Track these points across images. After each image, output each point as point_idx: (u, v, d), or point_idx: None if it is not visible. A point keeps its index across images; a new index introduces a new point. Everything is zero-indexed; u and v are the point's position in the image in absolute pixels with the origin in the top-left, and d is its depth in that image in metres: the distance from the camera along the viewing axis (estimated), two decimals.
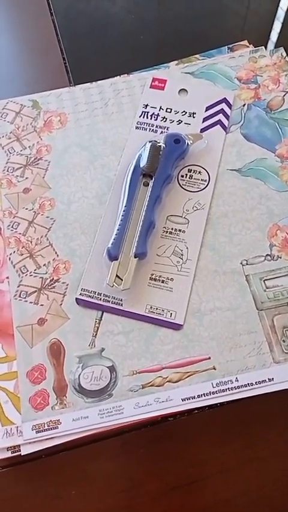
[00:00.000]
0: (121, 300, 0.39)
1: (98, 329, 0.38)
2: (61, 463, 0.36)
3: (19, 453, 0.34)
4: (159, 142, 0.43)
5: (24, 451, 0.34)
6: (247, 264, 0.40)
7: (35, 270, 0.41)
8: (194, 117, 0.47)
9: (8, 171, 0.45)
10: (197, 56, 0.52)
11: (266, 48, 0.53)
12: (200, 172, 0.44)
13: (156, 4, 0.61)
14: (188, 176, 0.44)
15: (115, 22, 0.58)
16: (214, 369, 0.37)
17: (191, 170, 0.44)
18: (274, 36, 0.57)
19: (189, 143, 0.44)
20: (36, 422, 0.35)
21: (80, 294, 0.39)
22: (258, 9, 0.61)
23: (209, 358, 0.37)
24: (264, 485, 0.36)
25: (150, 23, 0.58)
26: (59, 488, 0.35)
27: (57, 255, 0.41)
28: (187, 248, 0.41)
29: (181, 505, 0.35)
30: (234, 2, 0.60)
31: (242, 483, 0.36)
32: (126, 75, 0.50)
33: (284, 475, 0.36)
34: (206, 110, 0.47)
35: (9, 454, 0.35)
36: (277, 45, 0.55)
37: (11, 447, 0.35)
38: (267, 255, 0.41)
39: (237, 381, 0.36)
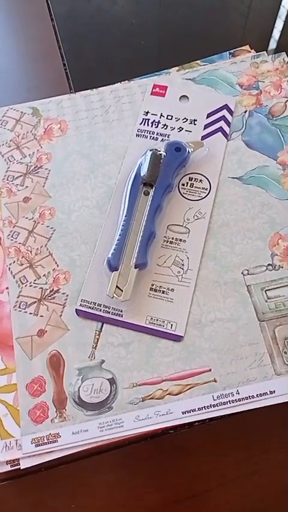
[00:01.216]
0: (121, 311, 0.39)
1: (98, 340, 0.38)
2: (61, 476, 0.36)
3: (18, 467, 0.34)
4: (159, 151, 0.43)
5: (24, 464, 0.34)
6: (248, 274, 0.40)
7: (34, 280, 0.40)
8: (195, 124, 0.47)
9: (8, 179, 0.45)
10: (198, 61, 0.51)
11: (268, 47, 0.53)
12: (201, 180, 0.44)
13: (157, 8, 0.60)
14: (188, 184, 0.44)
15: (115, 27, 0.57)
16: (215, 381, 0.36)
17: (192, 178, 0.44)
18: (277, 34, 0.57)
19: (190, 151, 0.44)
20: (35, 435, 0.35)
21: (80, 305, 0.39)
22: (260, 7, 0.60)
23: (210, 370, 0.37)
24: (265, 497, 0.35)
25: (151, 27, 0.58)
26: (59, 501, 0.35)
27: (57, 265, 0.41)
28: (188, 258, 0.41)
29: None
30: (235, 1, 0.60)
31: (242, 496, 0.35)
32: (127, 81, 0.50)
33: (285, 487, 0.35)
34: (207, 117, 0.47)
35: (8, 468, 0.34)
36: (280, 44, 0.55)
37: (10, 461, 0.35)
38: (268, 264, 0.40)
39: (238, 393, 0.36)
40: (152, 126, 0.47)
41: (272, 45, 0.55)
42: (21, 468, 0.34)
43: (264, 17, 0.59)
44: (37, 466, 0.34)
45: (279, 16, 0.59)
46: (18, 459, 0.34)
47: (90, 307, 0.39)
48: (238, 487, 0.35)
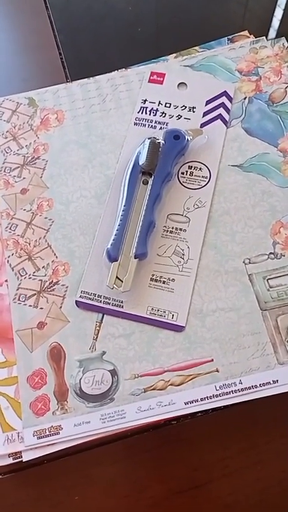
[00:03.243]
0: (122, 302, 0.38)
1: (98, 332, 0.38)
2: (63, 468, 0.35)
3: (21, 459, 0.34)
4: (158, 139, 0.42)
5: (26, 457, 0.34)
6: (250, 262, 0.40)
7: (34, 272, 0.40)
8: (193, 112, 0.46)
9: (4, 171, 0.44)
10: (196, 48, 0.50)
11: (267, 36, 0.52)
12: (200, 168, 0.43)
13: None
14: (188, 173, 0.43)
15: (112, 15, 0.56)
16: (217, 371, 0.36)
17: (192, 167, 0.43)
18: (276, 23, 0.56)
19: (189, 139, 0.43)
20: (37, 428, 0.35)
21: (80, 297, 0.39)
22: None
23: (212, 360, 0.37)
24: (268, 487, 0.35)
25: (148, 14, 0.57)
26: (62, 493, 0.35)
27: (56, 257, 0.40)
28: (188, 247, 0.40)
29: (185, 510, 0.35)
30: None
31: (245, 486, 0.35)
32: (124, 69, 0.49)
33: None
34: (206, 104, 0.46)
35: (10, 461, 0.34)
36: (279, 33, 0.54)
37: (12, 453, 0.34)
38: (270, 253, 0.40)
39: (241, 383, 0.36)
40: (150, 114, 0.46)
41: (272, 34, 0.54)
42: (24, 461, 0.34)
43: (262, 5, 0.58)
44: (39, 458, 0.34)
45: (278, 5, 0.58)
46: (21, 452, 0.34)
47: (90, 299, 0.38)
48: (241, 477, 0.35)
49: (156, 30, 0.56)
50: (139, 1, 0.58)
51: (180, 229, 0.41)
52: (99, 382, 0.36)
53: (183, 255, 0.40)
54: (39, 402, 0.36)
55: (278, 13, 0.57)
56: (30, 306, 0.39)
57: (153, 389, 0.36)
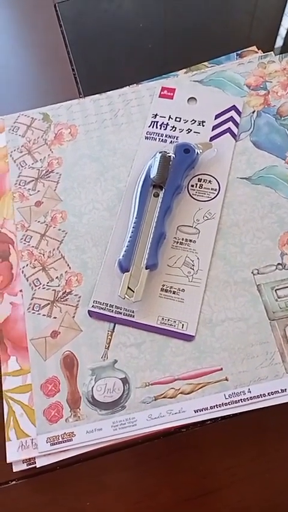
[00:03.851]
0: (133, 312, 0.39)
1: (110, 341, 0.39)
2: (76, 475, 0.36)
3: (34, 465, 0.35)
4: (169, 153, 0.44)
5: (40, 463, 0.35)
6: (258, 273, 0.40)
7: (47, 282, 0.41)
8: (203, 126, 0.47)
9: (20, 184, 0.46)
10: (205, 63, 0.52)
11: (275, 44, 0.53)
12: (210, 181, 0.44)
13: (163, 11, 0.61)
14: (198, 186, 0.44)
15: (123, 31, 0.58)
16: (226, 380, 0.37)
17: (201, 179, 0.44)
18: (283, 32, 0.57)
19: (198, 152, 0.44)
20: (50, 434, 0.36)
21: (92, 306, 0.40)
22: (266, 6, 0.60)
23: (221, 369, 0.37)
24: (277, 495, 0.35)
25: (158, 30, 0.58)
26: (74, 499, 0.36)
27: (70, 268, 0.42)
28: (198, 258, 0.41)
29: None
30: (241, 0, 0.60)
31: (254, 494, 0.35)
32: (135, 85, 0.50)
33: None
34: (215, 118, 0.47)
35: (24, 467, 0.35)
36: (286, 42, 0.55)
37: (26, 459, 0.35)
38: (278, 264, 0.41)
39: (250, 392, 0.36)
40: (160, 128, 0.47)
41: (279, 42, 0.55)
42: (37, 467, 0.35)
43: (270, 15, 0.60)
44: (52, 464, 0.35)
45: (286, 14, 0.59)
46: (34, 458, 0.35)
47: (102, 308, 0.39)
48: (250, 485, 0.36)
49: (166, 46, 0.57)
50: (149, 17, 0.60)
51: (190, 241, 0.42)
52: (111, 390, 0.37)
53: (193, 265, 0.41)
54: (53, 409, 0.37)
55: (286, 22, 0.58)
56: (44, 315, 0.40)
57: (164, 397, 0.37)
